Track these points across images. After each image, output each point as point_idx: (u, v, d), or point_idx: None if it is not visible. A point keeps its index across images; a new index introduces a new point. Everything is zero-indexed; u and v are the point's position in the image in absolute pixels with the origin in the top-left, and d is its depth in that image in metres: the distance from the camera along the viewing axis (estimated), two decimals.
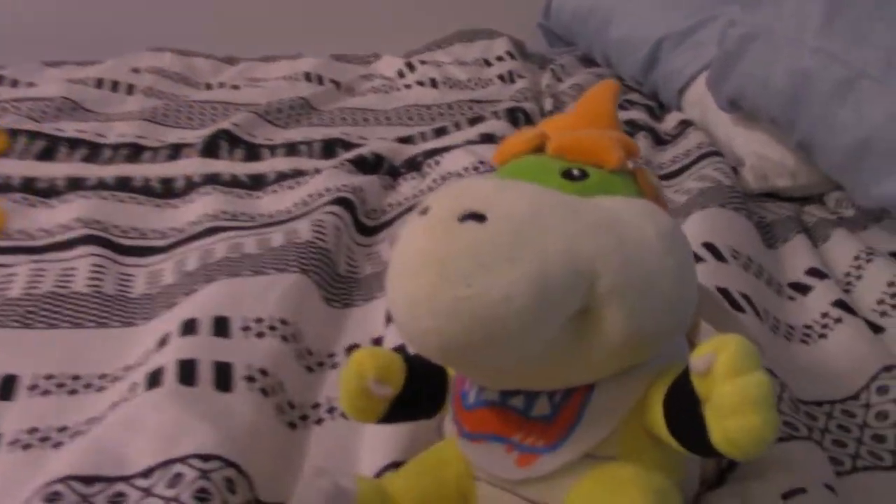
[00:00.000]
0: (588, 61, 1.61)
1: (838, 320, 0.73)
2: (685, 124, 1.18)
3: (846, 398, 0.64)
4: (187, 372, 0.58)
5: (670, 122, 1.24)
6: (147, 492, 0.48)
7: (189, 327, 0.64)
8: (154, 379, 0.58)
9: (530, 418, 0.45)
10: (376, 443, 0.56)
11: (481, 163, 0.99)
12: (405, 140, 1.16)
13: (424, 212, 0.42)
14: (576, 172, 0.45)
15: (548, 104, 1.31)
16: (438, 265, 0.39)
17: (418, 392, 0.51)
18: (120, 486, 0.50)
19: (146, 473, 0.50)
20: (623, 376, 0.44)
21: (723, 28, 1.09)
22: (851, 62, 0.87)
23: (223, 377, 0.59)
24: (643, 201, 0.45)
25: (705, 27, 1.28)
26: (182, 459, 0.50)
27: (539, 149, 0.49)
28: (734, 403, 0.37)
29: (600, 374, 0.44)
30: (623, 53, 1.44)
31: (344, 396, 0.50)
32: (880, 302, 0.77)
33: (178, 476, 0.49)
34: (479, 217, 0.40)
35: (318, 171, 1.03)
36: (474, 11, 1.78)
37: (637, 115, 1.23)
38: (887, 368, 0.65)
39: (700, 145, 1.07)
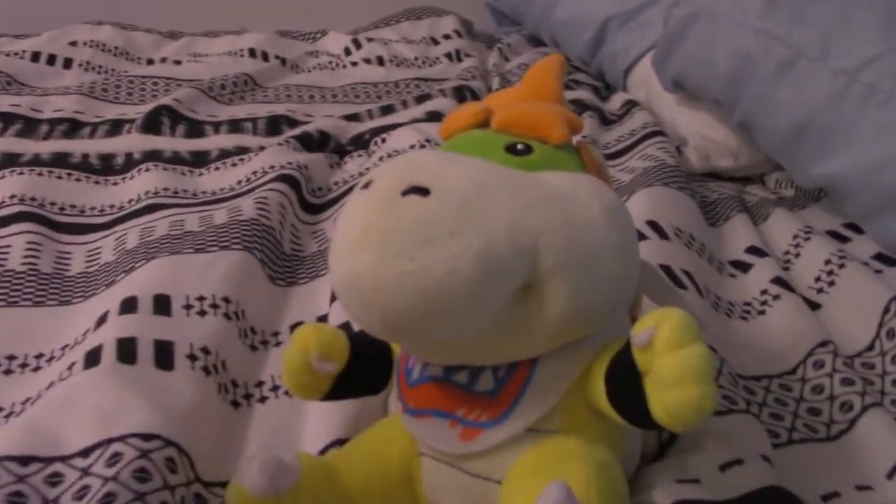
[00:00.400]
0: (535, 41, 1.61)
1: (777, 297, 0.75)
2: (630, 104, 1.19)
3: (783, 373, 0.66)
4: (127, 350, 0.57)
5: (616, 102, 1.25)
6: (85, 471, 0.47)
7: (129, 305, 0.62)
8: (92, 357, 0.56)
9: (474, 393, 0.45)
10: (321, 420, 0.56)
11: (428, 140, 0.99)
12: (352, 118, 1.15)
13: (367, 185, 0.41)
14: (520, 147, 0.45)
15: (495, 83, 1.31)
16: (381, 239, 0.39)
17: (363, 369, 0.51)
18: (57, 466, 0.49)
19: (84, 453, 0.49)
20: (566, 351, 0.44)
21: (668, 8, 1.10)
22: (792, 43, 0.88)
23: (164, 355, 0.58)
24: (587, 176, 0.45)
25: (651, 7, 1.29)
26: (121, 438, 0.49)
27: (484, 123, 0.48)
28: (674, 376, 0.37)
29: (543, 349, 0.44)
30: (569, 33, 1.44)
31: (287, 373, 0.50)
32: (817, 279, 0.79)
33: (117, 455, 0.48)
34: (422, 191, 0.40)
35: (262, 148, 1.02)
36: None
37: (583, 94, 1.24)
38: (823, 344, 0.67)
39: (645, 125, 1.08)
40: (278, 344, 0.67)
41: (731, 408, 0.55)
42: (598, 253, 0.41)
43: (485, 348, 0.43)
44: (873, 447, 0.56)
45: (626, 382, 0.41)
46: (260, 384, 0.62)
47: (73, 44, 1.38)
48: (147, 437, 0.50)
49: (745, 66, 0.93)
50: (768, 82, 0.91)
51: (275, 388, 0.61)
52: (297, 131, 1.06)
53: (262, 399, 0.60)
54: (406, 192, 0.40)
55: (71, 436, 0.50)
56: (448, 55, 1.47)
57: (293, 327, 0.69)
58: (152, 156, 0.99)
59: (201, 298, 0.65)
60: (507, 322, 0.42)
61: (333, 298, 0.69)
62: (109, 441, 0.49)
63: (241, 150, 1.03)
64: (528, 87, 0.53)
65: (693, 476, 0.48)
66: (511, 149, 0.45)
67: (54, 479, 0.47)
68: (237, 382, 0.61)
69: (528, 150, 0.45)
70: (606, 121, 1.17)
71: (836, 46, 0.86)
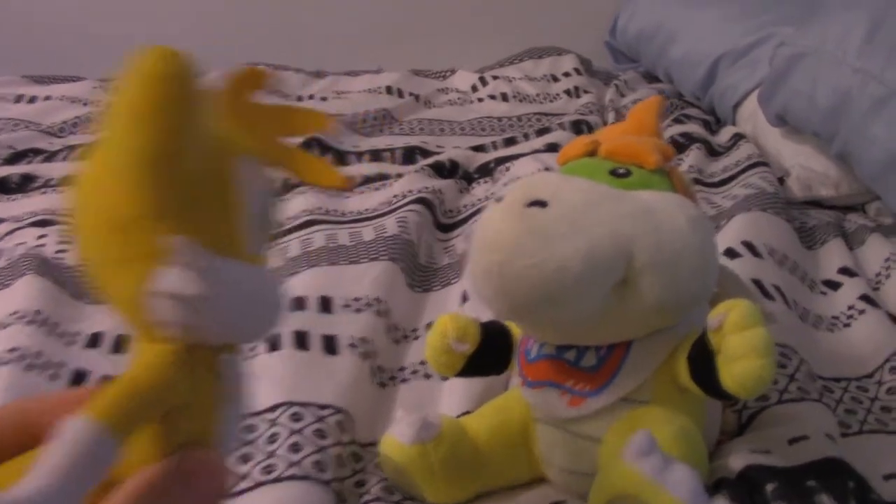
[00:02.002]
0: (651, 78, 1.71)
1: (862, 312, 0.82)
2: (738, 137, 1.28)
3: (862, 377, 0.74)
4: (301, 340, 0.71)
5: (724, 135, 1.33)
6: (273, 422, 0.61)
7: (299, 304, 0.76)
8: (272, 343, 0.70)
9: (580, 368, 0.56)
10: (453, 395, 0.68)
11: (547, 168, 1.10)
12: (478, 148, 1.28)
13: (500, 200, 0.53)
14: (621, 171, 0.57)
15: (610, 117, 1.41)
16: (509, 242, 0.51)
17: (490, 352, 0.63)
18: (249, 421, 0.62)
19: (272, 409, 0.62)
20: (655, 336, 0.55)
21: (774, 48, 1.19)
22: (886, 80, 0.96)
23: (331, 345, 0.71)
24: (675, 195, 0.55)
25: (761, 46, 1.36)
26: (301, 404, 0.62)
27: (593, 152, 0.60)
28: (739, 351, 0.47)
29: (637, 334, 0.55)
30: (684, 70, 1.53)
31: (429, 352, 0.62)
32: None
33: (298, 415, 0.61)
34: (542, 204, 0.51)
35: (399, 175, 1.16)
36: (545, 30, 1.89)
37: (694, 128, 1.33)
38: None
39: (749, 157, 1.16)
40: (417, 338, 0.79)
41: (804, 397, 0.63)
42: (682, 255, 0.52)
43: (590, 331, 0.54)
44: None
45: (703, 360, 0.51)
46: (402, 369, 0.74)
47: None
48: (321, 405, 0.62)
49: (843, 102, 1.01)
50: (865, 117, 0.98)
51: (414, 372, 0.74)
52: (430, 160, 1.19)
53: (404, 380, 0.73)
54: (529, 205, 0.51)
55: (260, 399, 0.64)
56: (567, 91, 1.58)
57: (429, 325, 0.81)
58: None
59: (357, 299, 0.78)
60: (608, 310, 0.53)
61: (464, 300, 0.81)
62: (291, 404, 0.62)
63: (382, 177, 1.17)
64: (631, 122, 0.64)
65: (764, 448, 0.57)
66: (614, 172, 0.57)
67: (248, 429, 0.61)
68: (384, 368, 0.74)
69: (627, 173, 0.56)
70: (714, 152, 1.26)
71: None
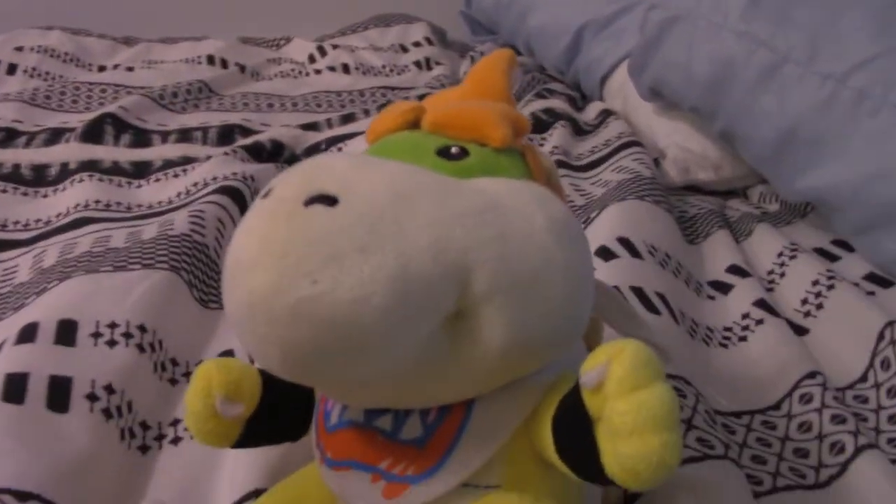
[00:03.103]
0: (510, 49, 1.55)
1: (760, 322, 0.68)
2: (606, 114, 1.13)
3: (766, 408, 0.59)
4: (16, 387, 0.50)
5: (591, 111, 1.18)
6: None
7: (28, 334, 0.55)
8: None
9: (399, 442, 0.38)
10: (238, 467, 0.49)
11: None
12: (309, 127, 1.09)
13: (266, 195, 0.34)
14: (454, 150, 0.38)
15: None
16: (278, 258, 0.32)
17: (279, 410, 0.44)
18: None
19: None
20: (507, 391, 0.37)
21: (644, 12, 1.04)
22: (777, 46, 0.82)
23: (59, 395, 0.50)
24: (532, 184, 0.38)
25: (628, 13, 1.22)
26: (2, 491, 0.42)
27: (415, 124, 0.41)
28: (629, 424, 0.30)
29: (480, 390, 0.37)
30: (544, 42, 1.38)
31: (190, 418, 0.42)
32: (804, 302, 0.72)
33: None
34: (329, 200, 0.32)
35: (208, 157, 0.95)
36: None
37: (558, 104, 1.18)
38: (810, 375, 0.60)
39: (620, 135, 1.02)
40: None
41: (708, 453, 0.48)
42: (542, 273, 0.34)
43: (408, 390, 0.36)
44: (868, 496, 0.49)
45: (575, 431, 0.34)
46: (176, 422, 0.55)
47: (20, 49, 1.31)
48: (23, 495, 0.42)
49: (726, 72, 0.87)
50: (751, 89, 0.84)
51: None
52: (247, 141, 0.99)
53: (175, 440, 0.53)
54: (310, 202, 0.32)
55: None
56: (417, 63, 1.40)
57: (222, 355, 0.61)
58: (90, 166, 0.92)
59: (113, 326, 0.57)
60: (434, 357, 0.34)
61: None
62: None
63: (187, 161, 0.96)
64: (472, 84, 0.46)
65: None
66: (444, 152, 0.38)
67: None
68: (146, 424, 0.54)
69: (463, 153, 0.38)
70: (581, 131, 1.10)
71: (823, 50, 0.79)
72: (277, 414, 0.44)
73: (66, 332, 0.56)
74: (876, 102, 0.74)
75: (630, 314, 0.46)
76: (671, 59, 0.95)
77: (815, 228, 0.86)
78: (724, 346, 0.67)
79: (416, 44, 1.48)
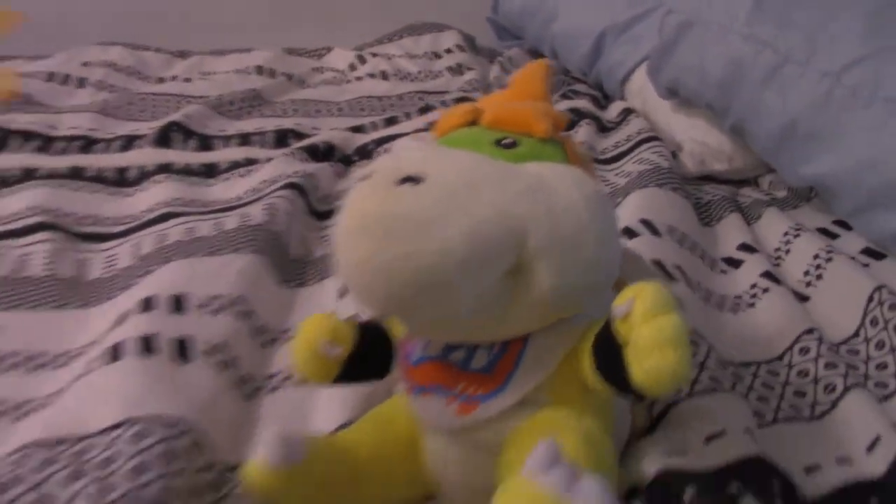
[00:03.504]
0: (536, 54, 1.65)
1: (766, 290, 0.78)
2: (627, 112, 1.23)
3: (771, 359, 0.69)
4: (147, 345, 0.60)
5: (613, 110, 1.28)
6: (110, 447, 0.51)
7: (147, 304, 0.66)
8: (115, 352, 0.60)
9: (470, 370, 0.48)
10: (330, 405, 0.59)
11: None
12: (357, 129, 1.19)
13: (366, 177, 0.45)
14: (507, 141, 0.49)
15: None
16: (379, 226, 0.42)
17: (369, 354, 0.54)
18: (84, 444, 0.52)
19: (109, 430, 0.52)
20: (554, 329, 0.48)
21: (662, 18, 1.14)
22: (779, 47, 0.92)
23: (182, 350, 0.61)
24: (570, 167, 0.48)
25: (647, 18, 1.32)
26: (146, 419, 0.52)
27: (474, 122, 0.52)
28: (651, 343, 0.40)
29: (533, 327, 0.47)
30: (568, 46, 1.48)
31: (297, 359, 0.53)
32: (806, 273, 0.82)
33: (142, 434, 0.51)
34: (415, 180, 0.43)
35: (269, 159, 1.06)
36: (426, 6, 1.81)
37: (582, 103, 1.28)
38: (809, 331, 0.69)
39: (640, 131, 1.12)
40: (290, 339, 0.70)
41: (717, 388, 0.58)
42: (579, 237, 0.45)
43: (479, 326, 0.46)
44: (854, 424, 0.59)
45: (609, 354, 0.44)
46: (271, 377, 0.65)
47: (87, 64, 1.42)
48: (171, 422, 0.53)
49: (735, 72, 0.97)
50: (757, 87, 0.94)
51: (287, 379, 0.65)
52: (303, 143, 1.10)
53: (274, 389, 0.64)
54: (400, 182, 0.43)
55: (98, 417, 0.53)
56: (450, 69, 1.51)
57: None
58: (164, 168, 1.03)
59: (215, 297, 0.68)
60: (498, 301, 0.45)
61: (341, 295, 0.72)
62: (135, 421, 0.52)
63: (250, 162, 1.07)
64: (517, 88, 0.56)
65: (679, 448, 0.51)
66: (499, 143, 0.49)
67: (82, 456, 0.51)
68: (250, 377, 0.64)
69: (514, 144, 0.49)
70: (604, 128, 1.20)
71: (820, 50, 0.89)
72: (366, 359, 0.54)
73: (178, 304, 0.67)
74: (867, 98, 0.83)
75: (651, 272, 0.56)
76: (686, 61, 1.05)
77: (818, 211, 0.96)
78: (734, 311, 0.77)
79: (448, 50, 1.58)
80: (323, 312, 0.54)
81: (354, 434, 0.52)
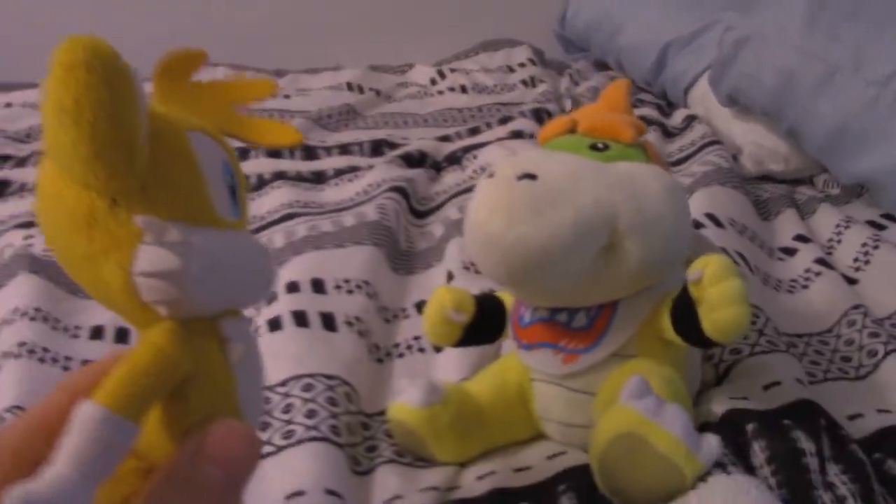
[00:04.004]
0: (601, 66, 1.77)
1: (818, 274, 0.88)
2: (690, 119, 1.34)
3: (822, 332, 0.79)
4: (300, 318, 0.74)
5: (677, 117, 1.39)
6: (286, 395, 0.64)
7: (293, 287, 0.80)
8: (274, 324, 0.73)
9: (572, 329, 0.60)
10: (448, 366, 0.72)
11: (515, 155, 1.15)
12: (444, 138, 1.32)
13: (491, 175, 0.58)
14: (600, 145, 0.61)
15: (568, 105, 1.47)
16: (505, 211, 0.55)
17: (484, 322, 0.67)
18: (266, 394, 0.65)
19: (283, 383, 0.66)
20: (639, 295, 0.60)
21: (722, 32, 1.25)
22: (829, 59, 1.03)
23: (328, 322, 0.74)
24: (651, 165, 0.60)
25: (707, 32, 1.43)
26: (310, 375, 0.66)
27: (571, 131, 0.64)
28: (718, 300, 0.52)
29: (623, 293, 0.59)
30: (633, 58, 1.60)
31: (427, 324, 0.66)
32: (855, 259, 0.92)
33: (310, 386, 0.65)
34: (532, 176, 0.56)
35: (370, 166, 1.20)
36: (496, 22, 1.94)
37: (648, 111, 1.39)
38: (855, 307, 0.80)
39: (703, 136, 1.23)
40: (407, 317, 0.83)
41: (773, 349, 0.69)
42: (660, 220, 0.57)
43: (580, 293, 0.59)
44: (893, 383, 0.70)
45: (684, 312, 0.56)
46: (396, 345, 0.78)
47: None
48: (330, 376, 0.66)
49: (788, 81, 1.07)
50: (809, 94, 1.05)
51: (409, 348, 0.77)
52: (399, 151, 1.23)
53: (400, 356, 0.77)
54: (520, 178, 0.56)
55: (270, 375, 0.67)
56: (524, 81, 1.63)
57: (416, 305, 0.85)
58: (280, 175, 1.17)
59: (347, 280, 0.82)
60: (595, 272, 0.57)
61: (448, 279, 0.85)
62: (301, 376, 0.66)
63: (352, 169, 1.20)
64: (604, 102, 0.69)
65: (742, 395, 0.63)
66: (593, 147, 0.61)
67: (266, 401, 0.64)
68: (378, 345, 0.77)
69: (606, 147, 0.61)
70: (669, 134, 1.32)
71: (867, 61, 0.99)
72: (482, 325, 0.67)
73: (318, 286, 0.80)
74: None
75: (716, 250, 0.68)
76: (744, 72, 1.16)
77: (868, 205, 1.06)
78: (790, 292, 0.87)
79: (521, 64, 1.71)
80: (449, 285, 0.66)
81: (476, 384, 0.65)
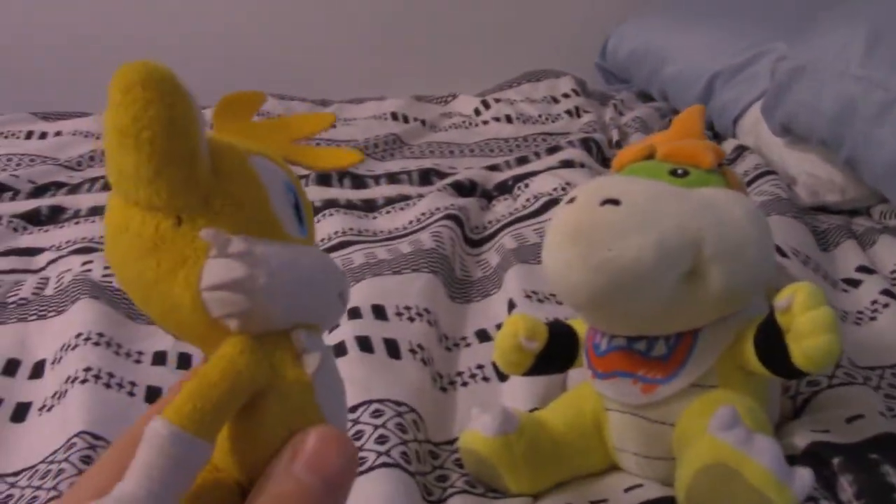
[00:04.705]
0: (644, 96, 1.76)
1: (886, 305, 0.86)
2: (741, 149, 1.33)
3: (894, 364, 0.77)
4: (364, 344, 0.73)
5: (727, 147, 1.38)
6: (356, 421, 0.63)
7: (355, 313, 0.79)
8: (340, 349, 0.73)
9: (651, 358, 0.59)
10: (514, 395, 0.71)
11: (568, 184, 1.14)
12: (493, 168, 1.32)
13: (572, 200, 0.57)
14: (680, 171, 0.60)
15: (614, 135, 1.46)
16: (587, 236, 0.54)
17: (556, 351, 0.66)
18: None
19: (353, 409, 0.65)
20: (721, 323, 0.58)
21: (774, 62, 1.24)
22: (891, 87, 1.01)
23: (392, 349, 0.74)
24: (732, 191, 0.59)
25: (757, 62, 1.42)
26: (379, 401, 0.65)
27: (649, 156, 0.63)
28: (809, 328, 0.51)
29: (704, 322, 0.58)
30: (678, 89, 1.59)
31: (498, 352, 0.65)
32: None
33: (378, 412, 0.64)
34: (614, 202, 0.55)
35: (420, 195, 1.19)
36: (538, 53, 1.94)
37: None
38: None
39: (757, 166, 1.21)
40: (468, 346, 0.82)
41: (852, 381, 0.67)
42: (745, 245, 0.56)
43: (660, 320, 0.58)
44: None
45: (771, 341, 0.54)
46: (459, 374, 0.77)
47: None
48: (398, 402, 0.65)
49: (848, 109, 1.06)
50: (871, 122, 1.03)
51: (472, 376, 0.76)
52: (449, 180, 1.23)
53: (464, 384, 0.76)
54: (603, 203, 0.55)
55: None
56: (568, 112, 1.63)
57: (478, 333, 0.84)
58: (331, 203, 1.17)
59: (407, 308, 0.81)
60: (677, 298, 0.56)
61: (510, 308, 0.84)
62: (370, 402, 0.65)
63: (403, 198, 1.20)
64: (677, 128, 0.68)
65: (824, 427, 0.61)
66: (673, 173, 0.60)
67: None
68: (441, 374, 0.76)
69: (686, 173, 0.60)
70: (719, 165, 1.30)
71: None
72: (554, 354, 0.66)
73: (380, 312, 0.79)
74: None
75: (796, 279, 0.67)
76: (801, 100, 1.15)
77: None
78: (858, 324, 0.85)
79: (565, 95, 1.71)
80: (522, 313, 0.65)
81: (550, 413, 0.64)
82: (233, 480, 0.30)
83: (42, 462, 0.64)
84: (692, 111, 0.68)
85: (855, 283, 0.93)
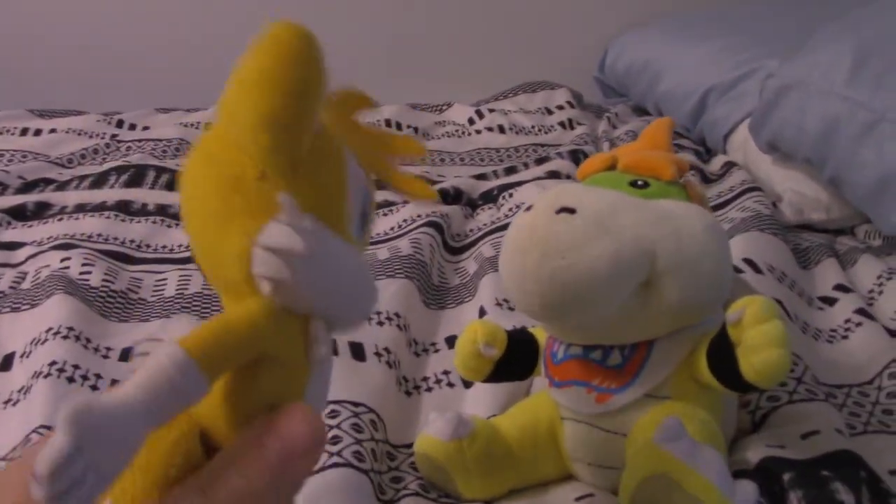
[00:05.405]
0: (640, 110, 1.77)
1: (859, 324, 0.86)
2: (729, 165, 1.33)
3: (862, 383, 0.77)
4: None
5: (716, 163, 1.38)
6: None
7: None
8: None
9: (606, 367, 0.59)
10: (478, 402, 0.71)
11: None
12: (480, 177, 1.32)
13: (529, 208, 0.57)
14: (640, 182, 0.60)
15: (605, 147, 1.46)
16: (542, 244, 0.54)
17: (516, 358, 0.66)
18: None
19: None
20: (676, 335, 0.58)
21: (763, 80, 1.24)
22: (874, 107, 1.01)
23: (358, 352, 0.74)
24: (691, 204, 0.59)
25: (748, 79, 1.42)
26: (336, 402, 0.65)
27: (612, 167, 0.64)
28: (759, 342, 0.51)
29: (659, 333, 0.58)
30: (672, 103, 1.59)
31: (459, 358, 0.65)
32: None
33: (335, 413, 0.64)
34: (570, 210, 0.55)
35: (405, 202, 1.19)
36: (537, 65, 1.95)
37: (686, 157, 1.38)
38: None
39: (742, 182, 1.21)
40: (437, 351, 0.82)
41: (813, 397, 0.67)
42: (700, 259, 0.56)
43: (615, 330, 0.58)
44: None
45: (722, 354, 0.54)
46: (425, 379, 0.77)
47: None
48: (355, 403, 0.65)
49: (832, 129, 1.06)
50: (854, 142, 1.03)
51: (438, 382, 0.76)
52: (435, 188, 1.23)
53: (429, 389, 0.76)
54: (559, 211, 0.55)
55: None
56: (562, 123, 1.63)
57: (448, 339, 0.84)
58: None
59: (378, 312, 0.81)
60: (632, 310, 0.56)
61: (480, 315, 0.84)
62: (328, 402, 0.65)
63: (388, 204, 1.20)
64: (645, 140, 0.68)
65: (779, 443, 0.61)
66: (634, 184, 0.60)
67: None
68: (407, 378, 0.76)
69: (646, 184, 0.60)
70: (707, 180, 1.30)
71: None
72: (513, 361, 0.66)
73: None
74: None
75: (755, 293, 0.67)
76: (787, 118, 1.15)
77: None
78: (830, 342, 0.85)
79: (560, 107, 1.71)
80: (482, 319, 0.66)
81: (505, 420, 0.64)
82: (199, 428, 0.30)
83: (2, 459, 0.64)
84: (660, 123, 0.69)
85: (831, 302, 0.93)
